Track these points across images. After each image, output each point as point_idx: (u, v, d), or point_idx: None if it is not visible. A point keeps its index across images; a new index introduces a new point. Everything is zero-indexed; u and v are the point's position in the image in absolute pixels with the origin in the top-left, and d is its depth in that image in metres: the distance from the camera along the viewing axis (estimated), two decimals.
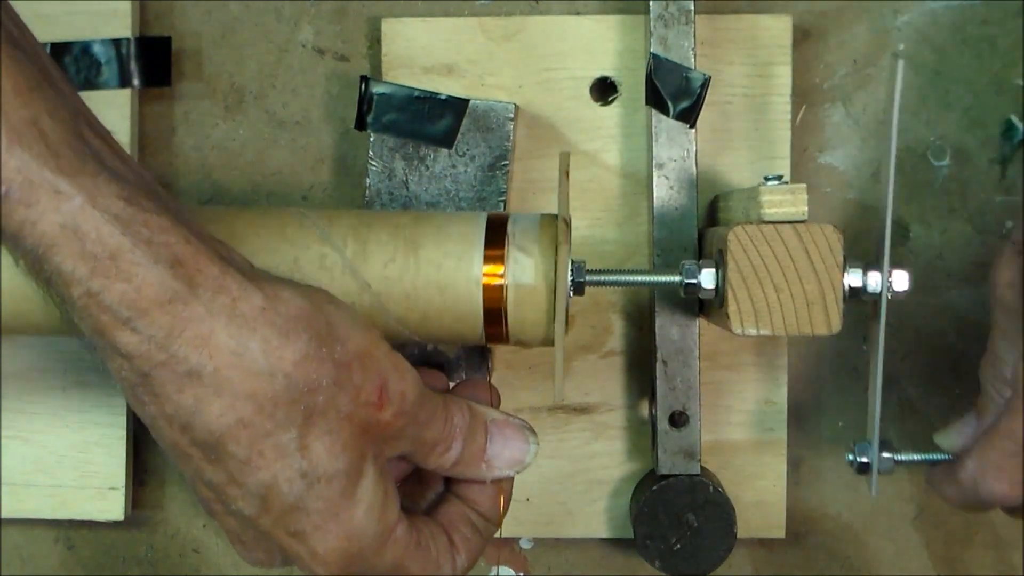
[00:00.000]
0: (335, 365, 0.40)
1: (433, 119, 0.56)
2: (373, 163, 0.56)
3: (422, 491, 0.48)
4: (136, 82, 0.57)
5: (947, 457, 0.51)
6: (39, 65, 0.39)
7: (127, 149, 0.57)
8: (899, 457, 0.52)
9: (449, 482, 0.48)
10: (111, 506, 0.59)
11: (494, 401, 0.49)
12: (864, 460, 0.52)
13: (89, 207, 0.37)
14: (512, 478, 0.47)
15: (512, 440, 0.47)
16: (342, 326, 0.42)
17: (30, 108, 0.37)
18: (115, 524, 0.60)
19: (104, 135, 0.40)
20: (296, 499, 0.40)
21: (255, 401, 0.39)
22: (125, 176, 0.39)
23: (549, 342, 0.47)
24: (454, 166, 0.56)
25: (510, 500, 0.48)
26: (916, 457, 0.52)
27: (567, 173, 0.47)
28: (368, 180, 0.56)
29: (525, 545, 0.61)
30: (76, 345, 0.57)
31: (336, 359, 0.41)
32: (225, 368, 0.39)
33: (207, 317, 0.38)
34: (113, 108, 0.57)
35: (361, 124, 0.56)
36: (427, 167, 0.56)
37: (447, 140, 0.56)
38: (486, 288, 0.46)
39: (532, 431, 0.47)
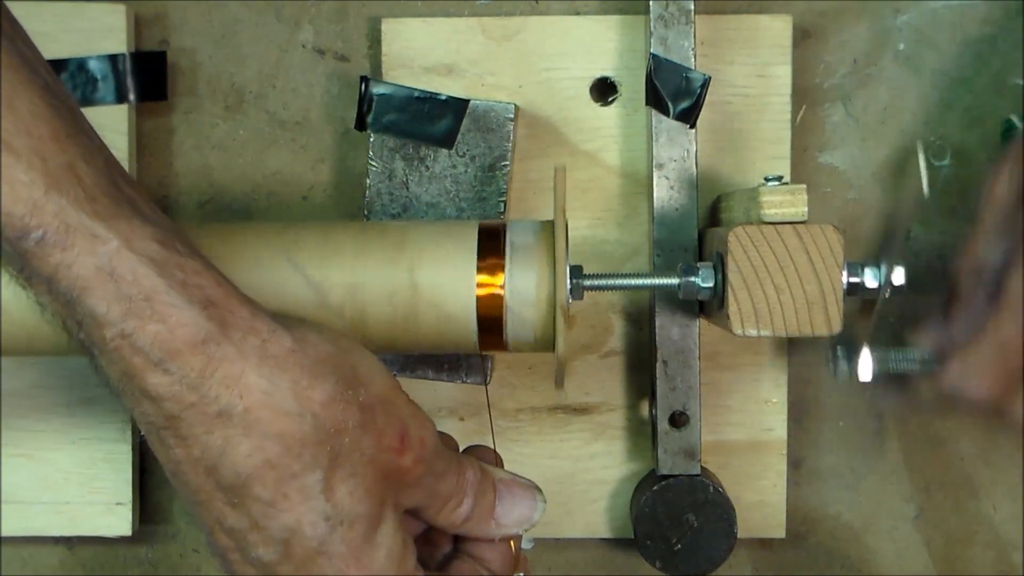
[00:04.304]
0: (360, 408, 0.41)
1: (433, 119, 0.56)
2: (373, 163, 0.56)
3: (431, 551, 0.48)
4: (132, 97, 0.57)
5: (922, 362, 0.51)
6: (72, 112, 0.40)
7: (125, 161, 0.57)
8: (878, 356, 0.51)
9: (458, 541, 0.48)
10: (119, 521, 0.59)
11: (498, 465, 0.49)
12: (843, 363, 0.51)
13: (125, 250, 0.38)
14: (520, 536, 0.48)
15: (520, 499, 0.47)
16: (365, 371, 0.42)
17: (67, 154, 0.38)
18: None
19: (132, 182, 0.41)
20: (319, 543, 0.40)
21: (283, 442, 0.39)
22: (157, 221, 0.40)
23: (547, 347, 0.47)
24: (454, 166, 0.56)
25: (519, 557, 0.48)
26: (894, 357, 0.51)
27: (563, 187, 0.47)
28: (368, 180, 0.56)
29: (525, 545, 0.61)
30: (80, 362, 0.58)
31: (361, 402, 0.41)
32: (256, 408, 0.39)
33: (238, 358, 0.39)
34: (110, 122, 0.57)
35: (361, 124, 0.56)
36: (427, 167, 0.56)
37: (447, 140, 0.56)
38: (483, 297, 0.45)
39: (539, 490, 0.48)
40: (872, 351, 0.51)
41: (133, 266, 0.38)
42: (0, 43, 0.38)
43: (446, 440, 0.48)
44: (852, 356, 0.51)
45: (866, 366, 0.51)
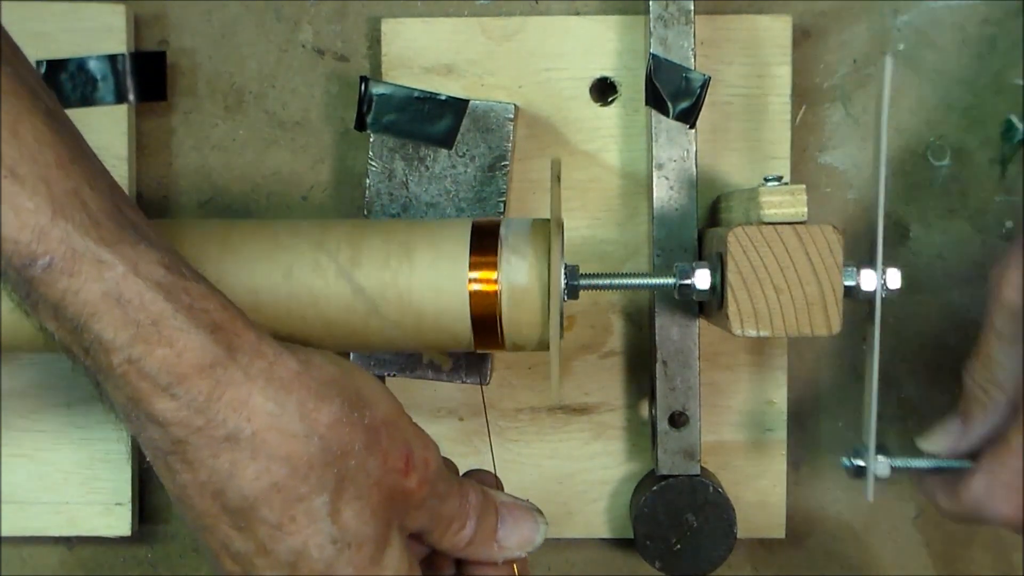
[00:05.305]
0: (365, 430, 0.41)
1: (433, 119, 0.56)
2: (373, 163, 0.56)
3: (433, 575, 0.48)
4: (132, 97, 0.57)
5: (945, 463, 0.51)
6: (74, 137, 0.40)
7: (125, 162, 0.57)
8: (895, 463, 0.50)
9: (460, 565, 0.48)
10: (118, 521, 0.59)
11: (499, 488, 0.49)
12: (860, 464, 0.51)
13: (132, 275, 0.38)
14: (526, 559, 0.48)
15: (522, 521, 0.47)
16: (370, 393, 0.42)
17: (72, 180, 0.38)
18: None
19: (134, 206, 0.41)
20: (326, 566, 0.40)
21: (290, 464, 0.39)
22: (161, 245, 0.40)
23: (545, 346, 0.47)
24: (454, 166, 0.56)
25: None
26: (914, 464, 0.51)
27: (559, 179, 0.47)
28: (368, 180, 0.56)
29: None
30: None
31: (366, 424, 0.41)
32: (263, 430, 0.39)
33: (245, 381, 0.39)
34: (110, 122, 0.57)
35: (361, 124, 0.56)
36: (427, 167, 0.56)
37: (447, 140, 0.56)
38: (477, 294, 0.45)
39: (540, 512, 0.48)
40: (886, 457, 0.50)
41: (140, 291, 0.38)
42: (2, 69, 0.38)
43: (448, 464, 0.48)
44: (865, 460, 0.50)
45: (883, 470, 0.50)
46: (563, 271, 0.46)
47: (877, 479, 0.50)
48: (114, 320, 0.37)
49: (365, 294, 0.45)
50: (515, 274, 0.45)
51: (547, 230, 0.46)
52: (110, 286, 0.37)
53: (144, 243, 0.39)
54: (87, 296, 0.37)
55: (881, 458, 0.50)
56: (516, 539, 0.47)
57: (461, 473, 0.49)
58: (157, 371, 0.38)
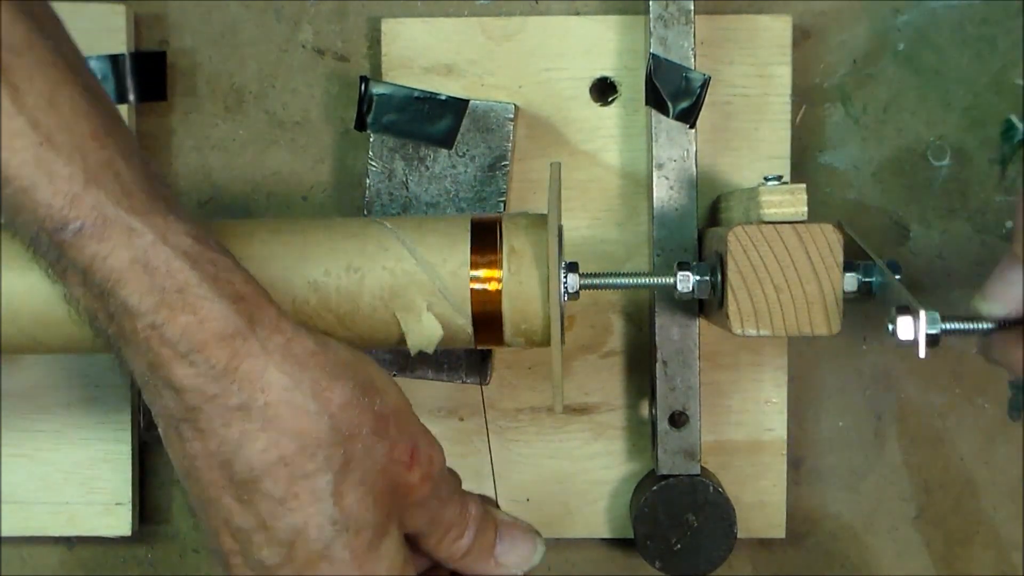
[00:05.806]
0: (374, 416, 0.41)
1: (433, 119, 0.56)
2: (373, 163, 0.56)
3: None
4: (132, 97, 0.58)
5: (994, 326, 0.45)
6: (110, 111, 0.41)
7: None
8: (948, 326, 0.45)
9: None
10: (118, 521, 0.59)
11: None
12: (906, 321, 0.44)
13: (160, 243, 0.39)
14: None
15: (520, 540, 0.47)
16: (382, 382, 0.43)
17: (106, 151, 0.39)
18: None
19: (164, 182, 0.42)
20: (323, 546, 0.40)
21: (299, 440, 0.40)
22: (189, 218, 0.40)
23: (546, 342, 0.47)
24: (454, 166, 0.56)
25: None
26: (964, 326, 0.45)
27: (558, 182, 0.47)
28: (368, 180, 0.56)
29: None
30: (81, 362, 0.58)
31: (376, 410, 0.42)
32: (275, 404, 0.40)
33: (262, 354, 0.40)
34: None
35: (361, 124, 0.56)
36: (427, 167, 0.56)
37: (447, 140, 0.56)
38: (477, 291, 0.45)
39: (538, 533, 0.48)
40: (932, 314, 0.44)
41: (167, 259, 0.39)
42: (43, 41, 0.39)
43: (451, 473, 0.48)
44: (915, 319, 0.44)
45: (933, 324, 0.44)
46: (563, 271, 0.46)
47: (928, 337, 0.44)
48: (140, 286, 0.38)
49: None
50: (516, 270, 0.45)
51: (546, 225, 0.46)
52: (138, 253, 0.38)
53: (173, 215, 0.40)
54: (115, 262, 0.38)
55: (924, 313, 0.44)
56: (514, 557, 0.47)
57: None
58: (178, 337, 0.39)
